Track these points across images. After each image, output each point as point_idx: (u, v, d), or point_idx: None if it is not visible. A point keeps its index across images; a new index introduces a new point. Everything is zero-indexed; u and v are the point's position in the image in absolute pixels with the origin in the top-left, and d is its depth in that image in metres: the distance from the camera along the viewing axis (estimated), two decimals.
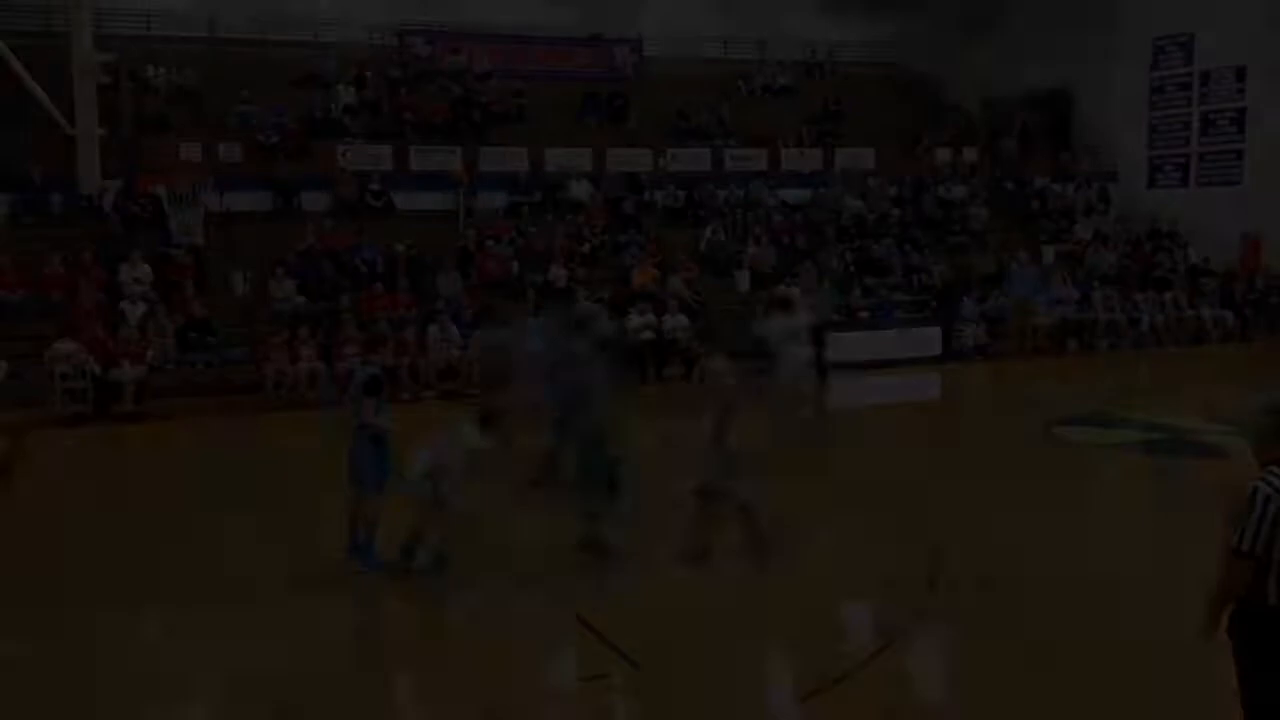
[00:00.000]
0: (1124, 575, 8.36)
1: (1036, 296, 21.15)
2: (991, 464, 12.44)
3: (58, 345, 16.20)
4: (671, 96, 28.45)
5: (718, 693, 6.29)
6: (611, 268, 22.05)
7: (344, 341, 17.45)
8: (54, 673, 6.66)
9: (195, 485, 12.26)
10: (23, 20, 23.20)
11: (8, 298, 17.69)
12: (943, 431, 14.58)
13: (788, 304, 13.61)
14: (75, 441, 14.95)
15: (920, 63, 33.88)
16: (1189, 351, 21.72)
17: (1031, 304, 20.90)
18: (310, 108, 24.01)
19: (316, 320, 18.34)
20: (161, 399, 16.63)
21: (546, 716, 6.20)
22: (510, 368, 11.93)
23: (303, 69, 25.83)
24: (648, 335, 19.14)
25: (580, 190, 23.90)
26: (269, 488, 11.75)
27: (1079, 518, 10.18)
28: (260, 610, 7.74)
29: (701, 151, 26.08)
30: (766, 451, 9.60)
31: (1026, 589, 7.79)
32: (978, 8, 33.16)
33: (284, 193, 21.74)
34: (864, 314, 20.92)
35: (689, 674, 6.48)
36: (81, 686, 6.47)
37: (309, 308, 18.73)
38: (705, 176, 25.07)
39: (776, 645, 6.93)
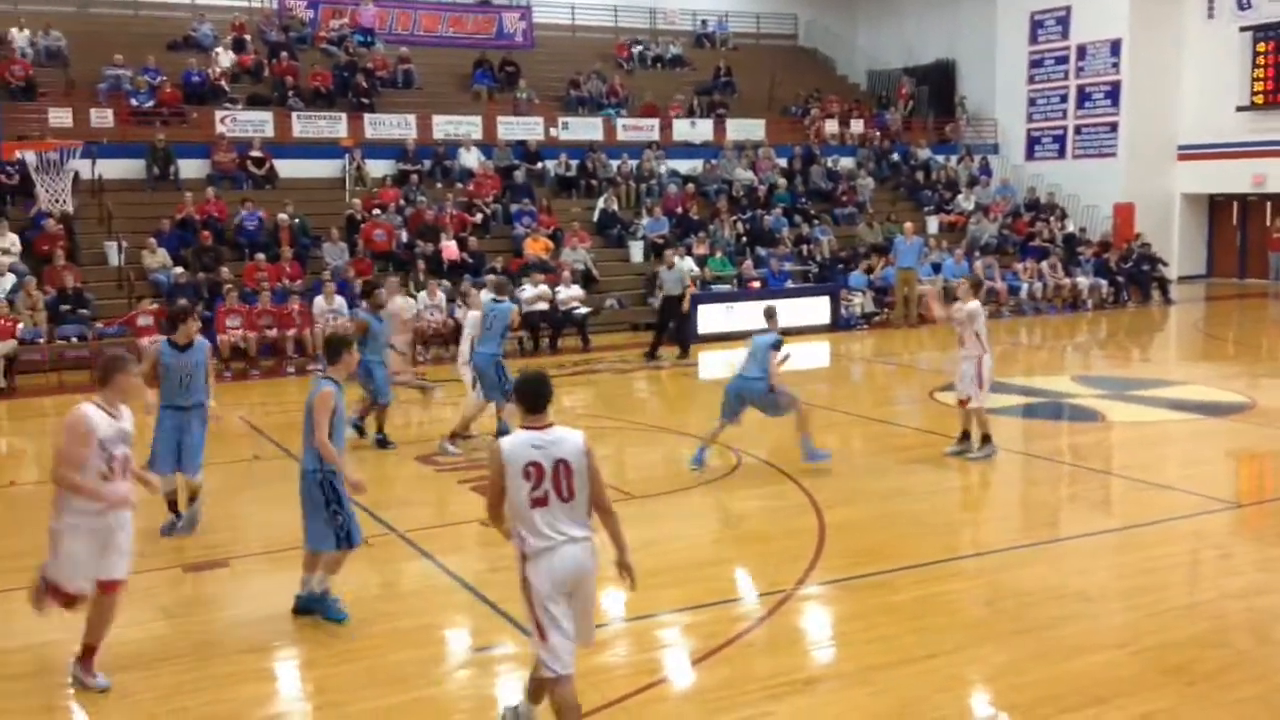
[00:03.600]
0: (1006, 539, 8.61)
1: (920, 266, 21.63)
2: (878, 430, 12.71)
3: None
4: (562, 64, 28.23)
5: (605, 657, 6.32)
6: (504, 238, 21.85)
7: (226, 313, 16.97)
8: None
9: None
10: None
11: None
12: (832, 399, 14.78)
13: None
14: None
15: (808, 34, 34.27)
16: (1066, 318, 22.44)
17: (915, 274, 21.35)
18: (187, 73, 23.18)
19: (196, 292, 17.80)
20: (33, 374, 15.98)
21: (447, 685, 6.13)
22: None
23: (178, 32, 24.93)
24: (541, 306, 18.99)
25: (470, 159, 23.56)
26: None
27: (960, 481, 10.45)
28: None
29: (594, 120, 25.93)
30: None
31: (912, 552, 7.97)
32: None
33: (159, 160, 20.99)
34: (755, 284, 21.11)
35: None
36: None
37: (188, 279, 18.15)
38: (598, 146, 24.93)
39: (667, 609, 6.97)
